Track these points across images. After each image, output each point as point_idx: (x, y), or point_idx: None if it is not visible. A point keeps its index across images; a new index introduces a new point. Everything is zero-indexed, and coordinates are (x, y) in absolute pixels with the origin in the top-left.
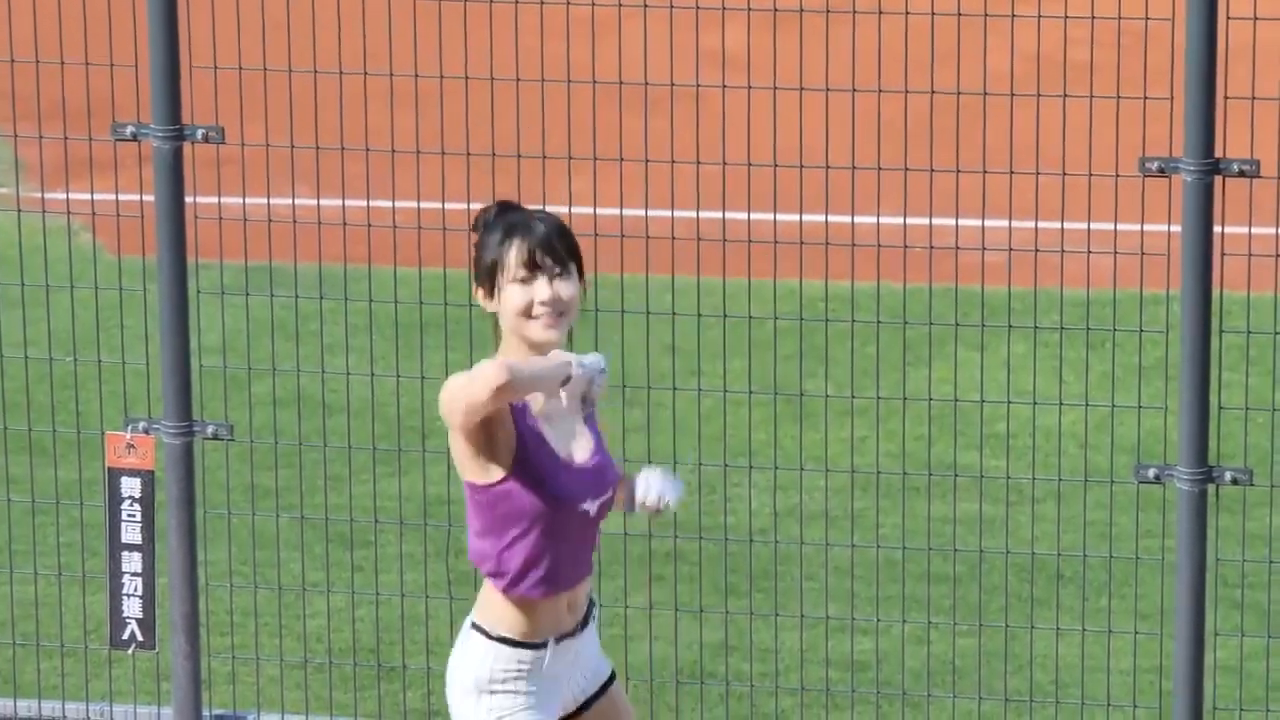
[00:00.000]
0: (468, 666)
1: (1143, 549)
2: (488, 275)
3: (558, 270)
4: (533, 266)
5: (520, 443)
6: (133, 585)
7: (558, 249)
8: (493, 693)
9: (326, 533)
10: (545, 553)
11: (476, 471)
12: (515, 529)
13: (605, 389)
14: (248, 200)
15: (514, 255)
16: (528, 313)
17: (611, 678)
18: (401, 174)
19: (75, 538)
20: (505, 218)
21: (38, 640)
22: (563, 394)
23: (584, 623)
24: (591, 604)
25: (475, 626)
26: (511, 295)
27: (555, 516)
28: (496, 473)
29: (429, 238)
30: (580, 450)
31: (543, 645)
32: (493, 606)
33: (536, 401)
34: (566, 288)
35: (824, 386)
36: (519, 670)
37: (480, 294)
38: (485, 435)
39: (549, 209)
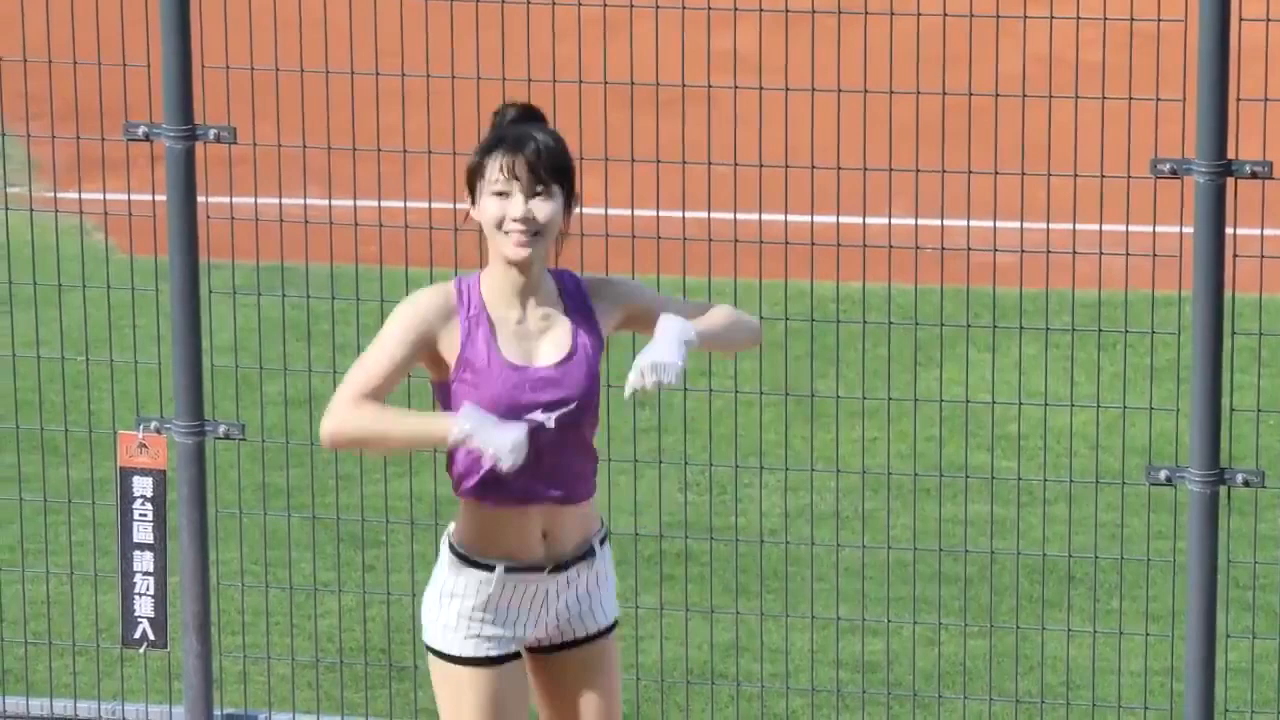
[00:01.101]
0: (434, 573)
1: (1154, 550)
2: (470, 182)
3: (538, 189)
4: (510, 180)
5: (465, 338)
6: (144, 584)
7: (539, 167)
8: (444, 605)
9: (338, 532)
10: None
11: (431, 368)
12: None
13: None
14: (260, 200)
15: (493, 166)
16: (500, 226)
17: (602, 631)
18: (413, 174)
19: (87, 537)
20: (504, 125)
21: (50, 639)
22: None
23: (564, 566)
24: (591, 553)
25: (447, 534)
26: (486, 207)
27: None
28: (445, 370)
29: (441, 238)
30: (544, 353)
31: (489, 568)
32: (457, 515)
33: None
34: (543, 207)
35: (835, 387)
36: (465, 588)
37: (467, 201)
38: (430, 356)
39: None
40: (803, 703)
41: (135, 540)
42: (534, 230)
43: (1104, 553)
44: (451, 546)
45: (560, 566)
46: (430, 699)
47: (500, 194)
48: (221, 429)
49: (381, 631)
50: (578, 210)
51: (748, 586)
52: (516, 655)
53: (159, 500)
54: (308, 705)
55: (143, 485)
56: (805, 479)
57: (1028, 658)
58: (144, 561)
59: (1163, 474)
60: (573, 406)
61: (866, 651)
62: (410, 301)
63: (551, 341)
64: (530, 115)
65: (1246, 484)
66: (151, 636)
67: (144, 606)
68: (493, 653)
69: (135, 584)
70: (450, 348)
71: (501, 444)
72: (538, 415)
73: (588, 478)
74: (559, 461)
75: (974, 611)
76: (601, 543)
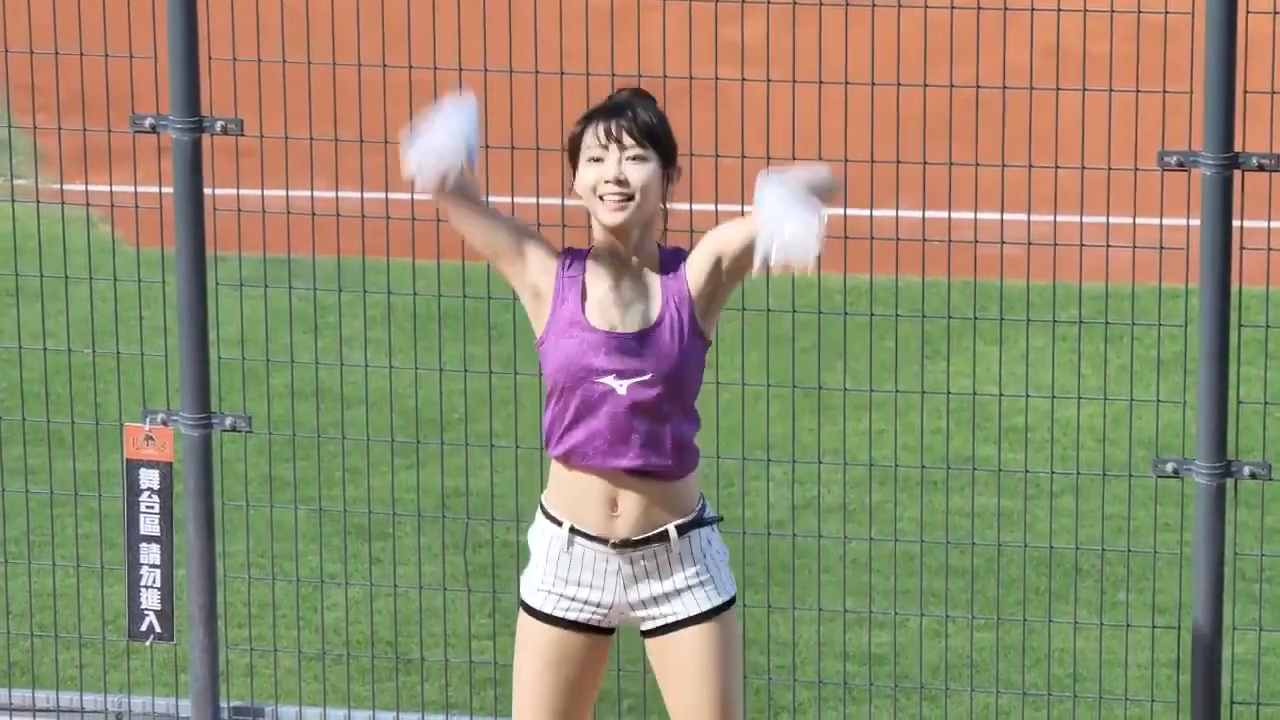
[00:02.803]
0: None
1: (1160, 543)
2: (571, 154)
3: (633, 153)
4: (606, 145)
5: (554, 297)
6: (151, 577)
7: (635, 130)
8: (533, 555)
9: (344, 525)
10: (571, 421)
11: (534, 327)
12: (549, 389)
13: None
14: (266, 192)
15: (590, 133)
16: (595, 191)
17: (691, 619)
18: None
19: (93, 529)
20: (606, 99)
21: (56, 631)
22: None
23: (631, 545)
24: (664, 536)
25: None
26: (583, 173)
27: (574, 384)
28: (539, 329)
29: (447, 230)
30: (629, 319)
31: (559, 524)
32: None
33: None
34: (637, 171)
35: (842, 380)
36: (539, 539)
37: (571, 173)
38: (526, 286)
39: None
40: (809, 695)
41: (142, 533)
42: (628, 194)
43: (1111, 545)
44: (540, 502)
45: (625, 544)
46: (439, 691)
47: (596, 159)
48: (228, 421)
49: (388, 624)
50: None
51: (755, 579)
52: (594, 629)
53: (165, 492)
54: (314, 698)
55: (149, 478)
56: (812, 471)
57: (1034, 650)
58: (150, 554)
59: (1169, 466)
60: (647, 377)
61: (873, 644)
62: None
63: (640, 309)
64: (638, 94)
65: (1253, 476)
66: (158, 629)
67: (150, 599)
68: (558, 613)
69: (142, 576)
70: (545, 295)
71: (417, 148)
72: (610, 380)
73: (667, 455)
74: (632, 431)
75: (981, 604)
76: (684, 529)
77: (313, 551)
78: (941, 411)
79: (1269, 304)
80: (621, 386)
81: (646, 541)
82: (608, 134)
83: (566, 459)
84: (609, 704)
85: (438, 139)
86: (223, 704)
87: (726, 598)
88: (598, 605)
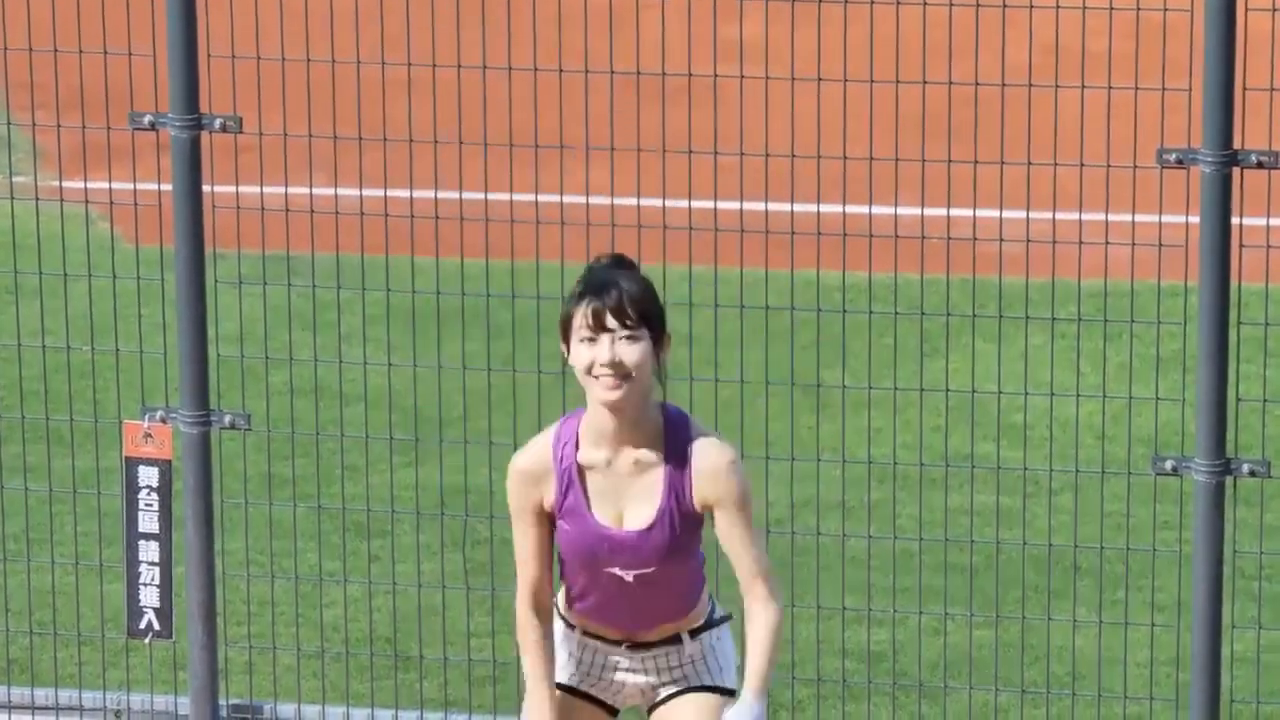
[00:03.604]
0: None
1: (1160, 541)
2: (564, 331)
3: (625, 334)
4: (598, 328)
5: (559, 494)
6: (150, 574)
7: (627, 312)
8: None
9: (343, 522)
10: (586, 591)
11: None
12: (561, 554)
13: None
14: (265, 190)
15: (581, 314)
16: (590, 371)
17: (696, 689)
18: (419, 163)
19: (92, 527)
20: (591, 275)
21: (55, 629)
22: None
23: (643, 647)
24: (677, 639)
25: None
26: (577, 353)
27: (583, 567)
28: (551, 507)
29: (446, 227)
30: (632, 516)
31: (573, 627)
32: None
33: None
34: (631, 351)
35: (841, 377)
36: (559, 629)
37: (563, 348)
38: (535, 499)
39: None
40: (809, 693)
41: (141, 530)
42: (623, 374)
43: (1110, 543)
44: (555, 600)
45: (638, 646)
46: (437, 689)
47: (589, 340)
48: (227, 419)
49: (387, 622)
50: (664, 355)
51: None
52: (601, 704)
53: (164, 490)
54: (313, 696)
55: (148, 475)
56: (811, 469)
57: (1034, 648)
58: (149, 551)
59: (1169, 464)
60: (651, 570)
61: (872, 641)
62: (512, 468)
63: (641, 498)
64: (620, 264)
65: (1252, 474)
66: (157, 627)
67: (149, 597)
68: (570, 681)
69: (141, 574)
70: (550, 499)
71: None
72: (616, 570)
73: (673, 614)
74: (641, 607)
75: (980, 602)
76: (696, 633)
77: (312, 549)
78: (940, 409)
79: (1268, 301)
80: (628, 575)
81: (659, 644)
82: (598, 318)
83: (581, 614)
84: None
85: None
86: (222, 701)
87: (729, 685)
88: (609, 684)
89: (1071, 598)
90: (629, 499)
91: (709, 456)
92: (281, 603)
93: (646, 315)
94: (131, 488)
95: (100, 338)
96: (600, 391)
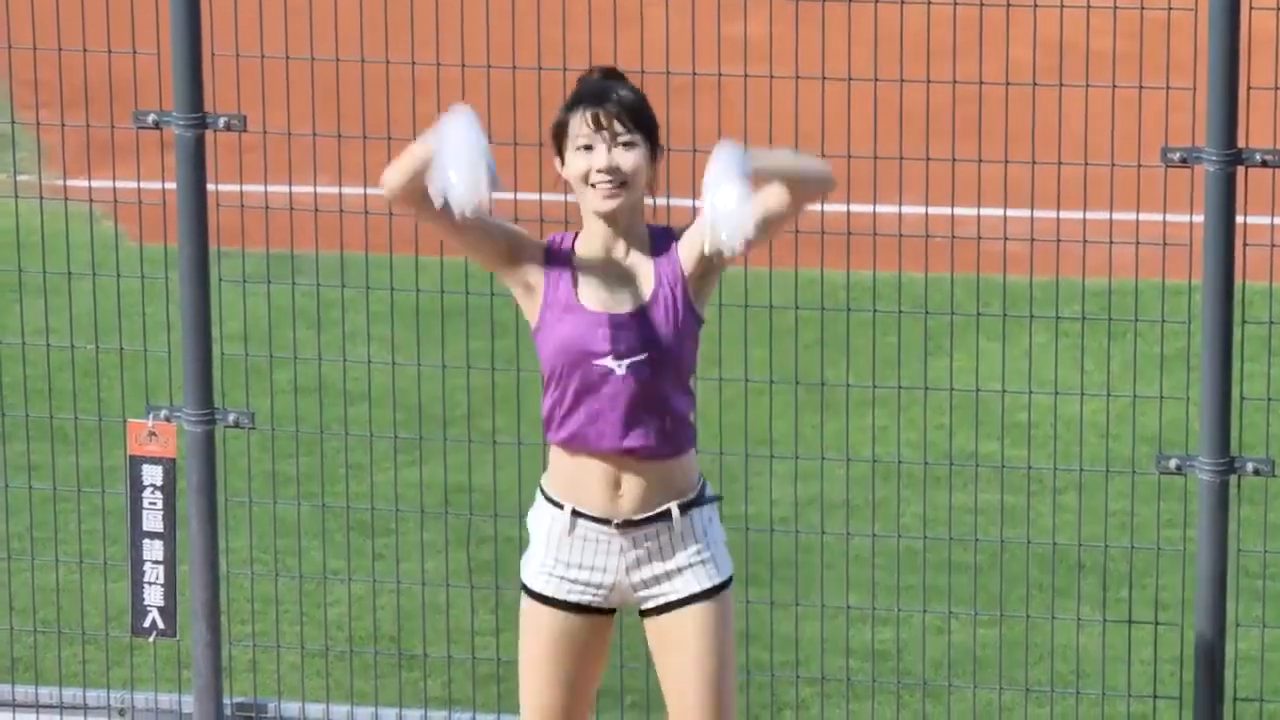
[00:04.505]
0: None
1: (1164, 539)
2: (557, 140)
3: (623, 140)
4: (595, 133)
5: (545, 285)
6: (154, 573)
7: (623, 118)
8: (531, 540)
9: (348, 521)
10: (570, 406)
11: (528, 318)
12: (547, 375)
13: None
14: (270, 188)
15: (577, 121)
16: (586, 179)
17: (692, 598)
18: None
19: (97, 525)
20: (585, 84)
21: (59, 627)
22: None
23: (634, 524)
24: (667, 515)
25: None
26: (572, 162)
27: (572, 368)
28: (533, 318)
29: None
30: (623, 300)
31: (560, 507)
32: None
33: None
34: (628, 157)
35: (845, 376)
36: (540, 523)
37: (556, 162)
38: (519, 283)
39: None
40: (812, 691)
41: (145, 529)
42: (620, 180)
43: (1114, 541)
44: (540, 485)
45: (629, 524)
46: (441, 687)
47: (585, 147)
48: (231, 417)
49: (391, 620)
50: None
51: (758, 575)
52: (596, 610)
53: (169, 488)
54: (317, 694)
55: (152, 473)
56: (815, 468)
57: (1038, 646)
58: (154, 550)
59: (1173, 463)
60: (644, 356)
61: (876, 640)
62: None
63: (633, 289)
64: (613, 74)
65: (1257, 473)
66: (161, 625)
67: (154, 595)
68: (560, 595)
69: (145, 572)
70: (536, 286)
71: (453, 185)
72: (608, 361)
73: (668, 434)
74: (632, 412)
75: (984, 600)
76: (686, 507)
77: (316, 547)
78: (944, 408)
79: (1272, 300)
80: (620, 366)
81: (649, 521)
82: (596, 122)
83: (568, 443)
84: (612, 698)
85: (463, 162)
86: (226, 700)
87: (725, 577)
88: (599, 586)
89: (1075, 596)
90: (621, 291)
91: (686, 227)
92: (286, 601)
93: (643, 122)
94: (135, 486)
95: (104, 336)
96: (597, 200)
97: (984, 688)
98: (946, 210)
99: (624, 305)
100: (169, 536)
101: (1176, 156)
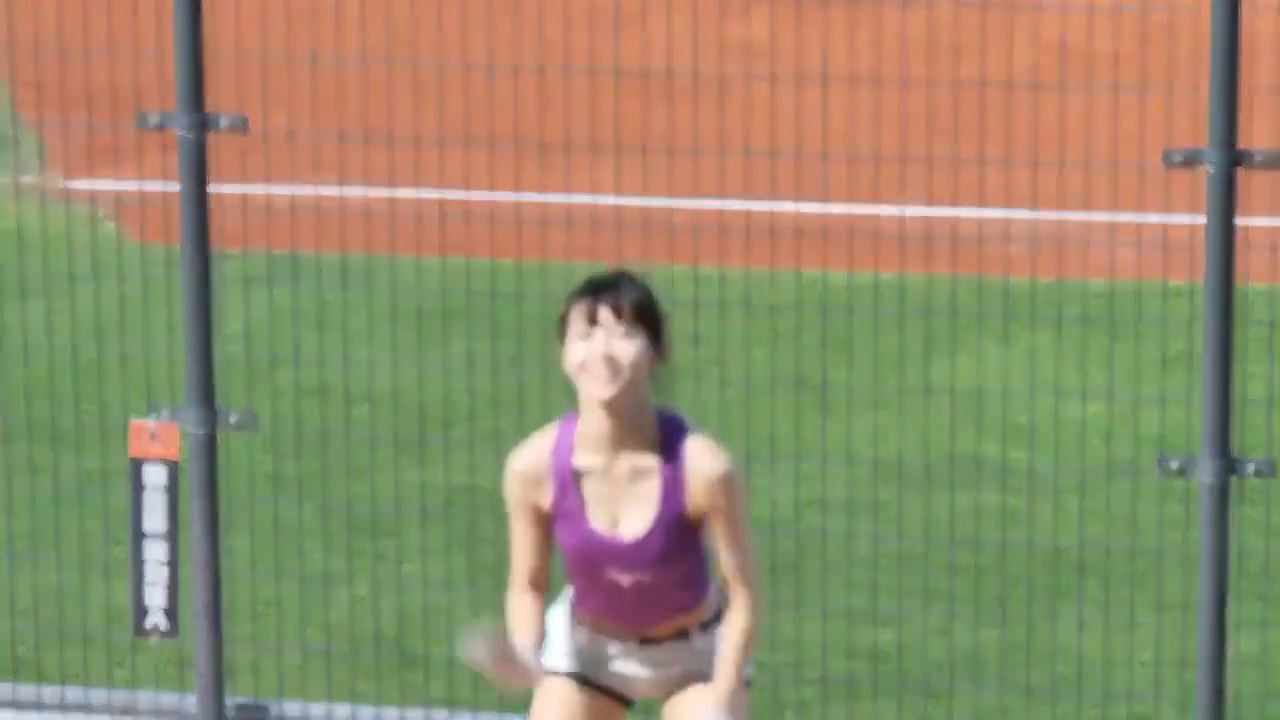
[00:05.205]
0: None
1: (1165, 541)
2: (559, 330)
3: (620, 330)
4: (593, 322)
5: (556, 498)
6: (156, 574)
7: (623, 308)
8: (554, 632)
9: (349, 522)
10: (587, 592)
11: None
12: (564, 557)
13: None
14: (272, 189)
15: (577, 310)
16: (583, 367)
17: (700, 679)
18: (425, 163)
19: (99, 526)
20: (590, 278)
21: (62, 628)
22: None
23: (654, 642)
24: (684, 634)
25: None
26: (570, 350)
27: (584, 568)
28: (548, 508)
29: (453, 226)
30: (628, 523)
31: (583, 623)
32: None
33: None
34: (625, 348)
35: (847, 377)
36: (562, 622)
37: (560, 352)
38: (531, 500)
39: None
40: (815, 693)
41: (147, 530)
42: (613, 370)
43: (1116, 543)
44: (568, 594)
45: (649, 641)
46: (442, 687)
47: (583, 336)
48: (233, 418)
49: (393, 621)
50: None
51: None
52: (614, 695)
53: (171, 490)
54: (319, 695)
55: (154, 475)
56: (817, 469)
57: (1039, 648)
58: (156, 551)
59: (1174, 464)
60: (648, 575)
61: (879, 642)
62: (510, 468)
63: (637, 505)
64: (622, 273)
65: (1258, 474)
66: (163, 626)
67: (156, 596)
68: (586, 672)
69: (147, 573)
70: (546, 501)
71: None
72: (616, 575)
73: (679, 610)
74: (643, 607)
75: (986, 602)
76: (706, 626)
77: (318, 548)
78: (946, 409)
79: (1273, 301)
80: (626, 580)
81: (670, 639)
82: (594, 314)
83: (589, 611)
84: None
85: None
86: (228, 700)
87: (746, 675)
88: (622, 675)
89: (1077, 598)
90: (625, 505)
91: (705, 464)
92: (287, 602)
93: (643, 315)
94: (138, 487)
95: (106, 337)
96: (591, 386)
97: (986, 689)
98: (949, 212)
99: (626, 531)
100: (171, 537)
101: (1178, 158)
